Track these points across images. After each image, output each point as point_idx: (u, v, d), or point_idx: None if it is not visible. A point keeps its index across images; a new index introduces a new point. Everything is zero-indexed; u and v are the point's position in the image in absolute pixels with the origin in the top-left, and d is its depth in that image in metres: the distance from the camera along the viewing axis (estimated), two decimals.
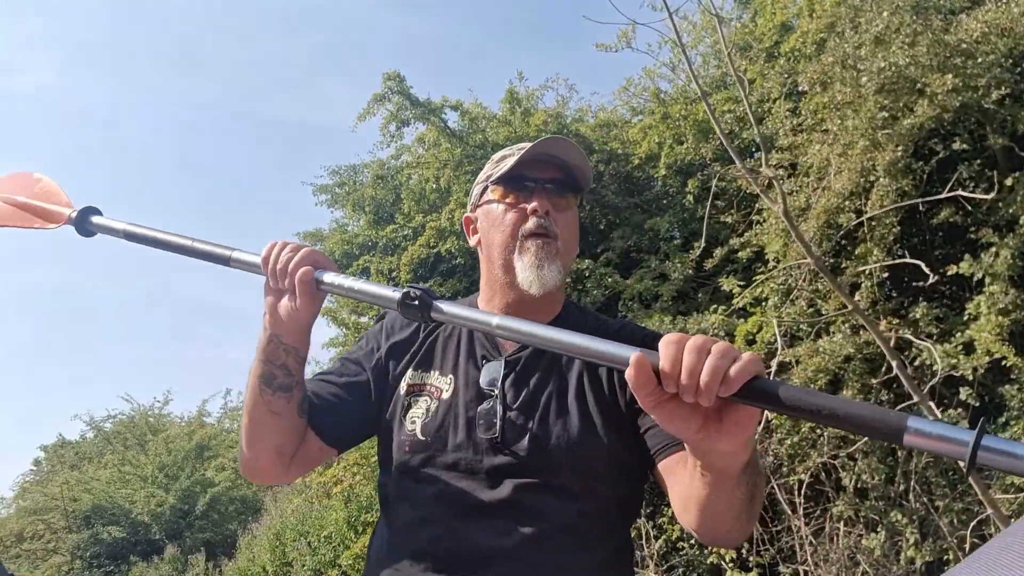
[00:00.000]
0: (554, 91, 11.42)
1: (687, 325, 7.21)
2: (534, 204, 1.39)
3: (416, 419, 1.38)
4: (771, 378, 0.90)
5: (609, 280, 8.49)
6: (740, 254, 7.20)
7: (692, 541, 6.76)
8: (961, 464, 0.96)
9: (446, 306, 1.15)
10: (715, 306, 7.00)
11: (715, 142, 8.15)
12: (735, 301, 6.78)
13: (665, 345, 0.90)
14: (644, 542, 7.04)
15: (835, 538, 5.91)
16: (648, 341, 1.41)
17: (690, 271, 7.90)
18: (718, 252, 7.44)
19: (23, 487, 24.78)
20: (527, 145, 1.41)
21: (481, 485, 1.30)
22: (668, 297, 7.86)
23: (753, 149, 8.02)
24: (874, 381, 5.93)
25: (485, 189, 1.48)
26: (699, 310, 7.52)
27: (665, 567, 6.75)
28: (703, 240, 7.11)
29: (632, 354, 0.90)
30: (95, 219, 1.52)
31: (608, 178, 9.56)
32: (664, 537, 6.74)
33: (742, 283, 6.93)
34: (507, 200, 1.43)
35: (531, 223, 1.39)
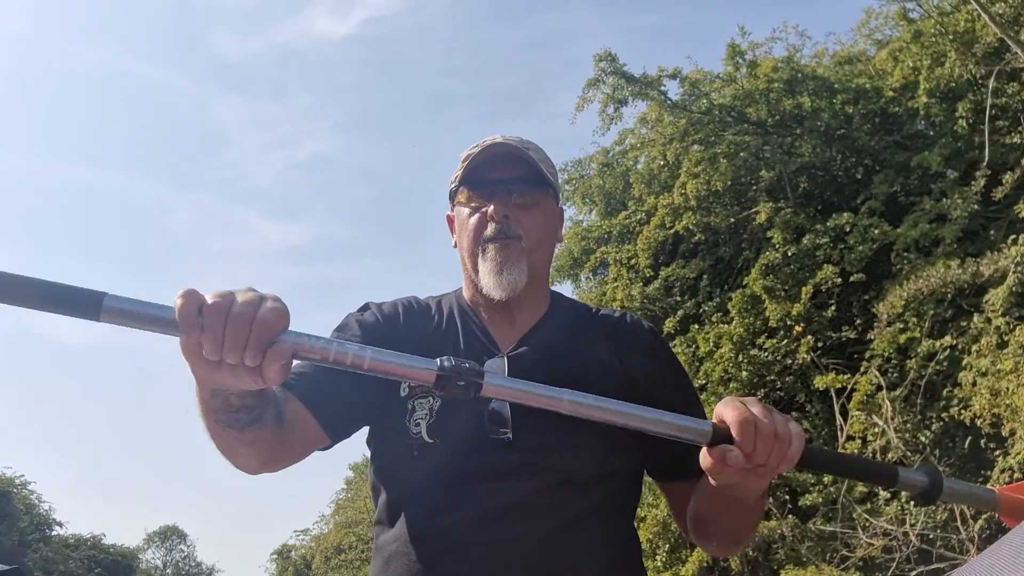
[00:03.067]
0: (783, 41, 10.44)
1: (980, 267, 6.14)
2: (491, 209, 1.35)
3: (420, 421, 1.30)
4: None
5: (875, 232, 7.51)
6: None
7: None
8: (917, 500, 1.16)
9: (496, 380, 0.99)
10: (1013, 237, 5.87)
11: (986, 47, 6.90)
12: None
13: (739, 425, 0.99)
14: (961, 524, 6.05)
15: None
16: (651, 338, 1.43)
17: (975, 206, 6.76)
18: (1008, 178, 6.29)
19: (338, 504, 27.52)
20: (489, 142, 1.38)
21: (495, 486, 1.25)
22: (951, 239, 6.78)
23: None
24: None
25: (456, 190, 1.43)
26: (992, 248, 6.38)
27: None
28: (984, 165, 6.02)
29: (709, 431, 1.01)
30: None
31: (858, 119, 8.49)
32: (985, 516, 5.73)
33: None
34: (471, 204, 1.39)
35: (490, 229, 1.36)
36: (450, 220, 1.48)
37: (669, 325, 9.86)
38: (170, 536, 48.95)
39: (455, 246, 1.46)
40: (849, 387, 7.60)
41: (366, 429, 1.39)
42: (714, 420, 1.03)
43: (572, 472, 1.27)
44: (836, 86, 8.44)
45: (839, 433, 7.65)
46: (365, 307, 1.45)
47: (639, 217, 10.02)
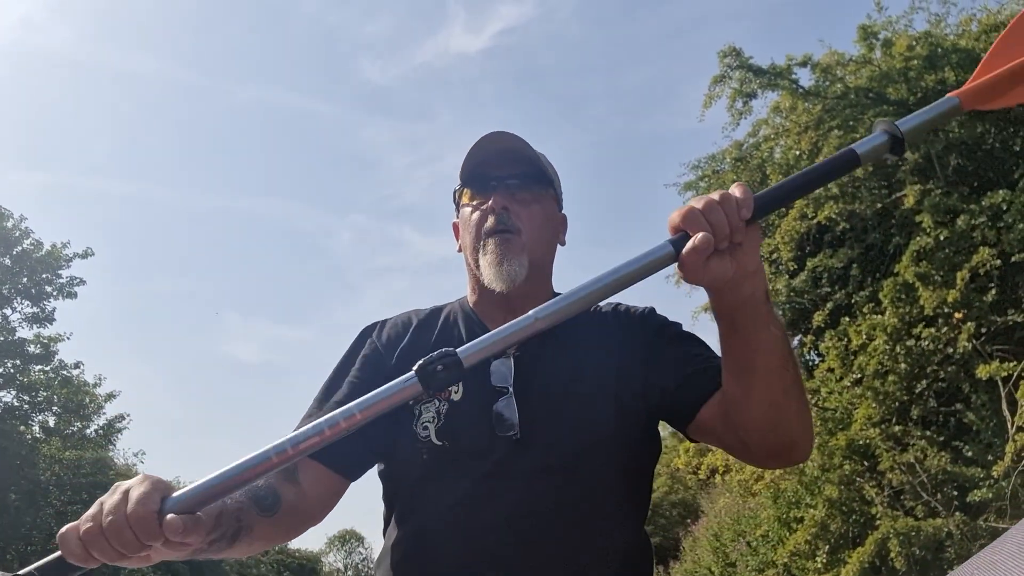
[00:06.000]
0: (924, 12, 9.84)
1: None
2: (491, 201, 1.39)
3: (428, 424, 1.31)
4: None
5: None
6: None
7: None
8: (889, 158, 1.11)
9: (468, 347, 1.03)
10: None
11: None
12: None
13: (681, 216, 1.01)
14: None
15: None
16: (646, 316, 1.43)
17: None
18: None
19: None
20: (491, 139, 1.40)
21: (507, 485, 1.26)
22: None
23: None
24: None
25: (460, 192, 1.46)
26: None
27: None
28: None
29: (668, 246, 1.02)
30: None
31: None
32: None
33: None
34: (473, 202, 1.42)
35: (490, 221, 1.38)
36: (456, 228, 1.50)
37: (819, 319, 9.56)
38: (349, 540, 51.65)
39: (459, 250, 1.48)
40: (1015, 375, 7.13)
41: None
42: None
43: (584, 468, 1.27)
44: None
45: (1008, 425, 7.18)
46: (365, 334, 1.46)
47: (779, 210, 9.80)
